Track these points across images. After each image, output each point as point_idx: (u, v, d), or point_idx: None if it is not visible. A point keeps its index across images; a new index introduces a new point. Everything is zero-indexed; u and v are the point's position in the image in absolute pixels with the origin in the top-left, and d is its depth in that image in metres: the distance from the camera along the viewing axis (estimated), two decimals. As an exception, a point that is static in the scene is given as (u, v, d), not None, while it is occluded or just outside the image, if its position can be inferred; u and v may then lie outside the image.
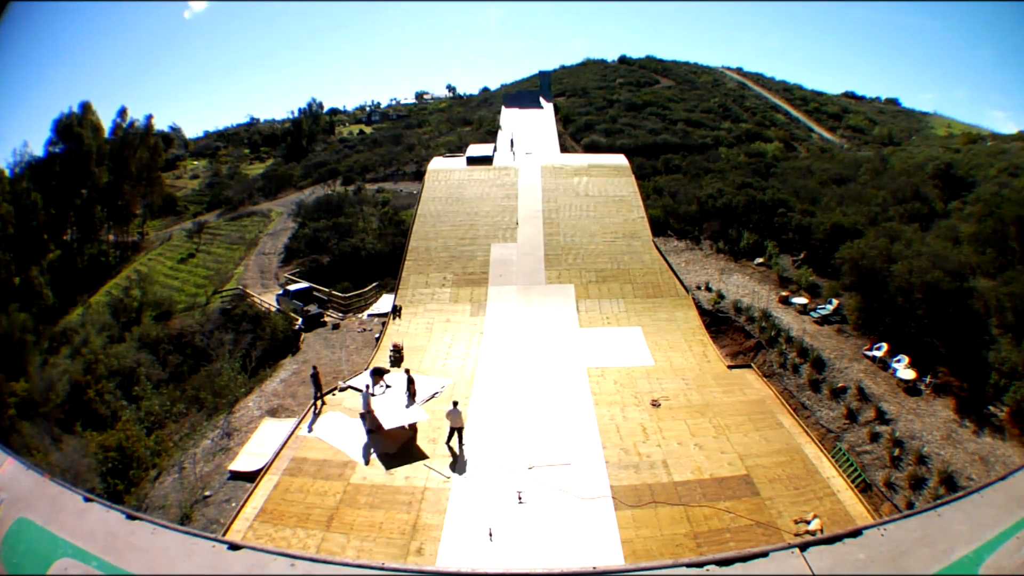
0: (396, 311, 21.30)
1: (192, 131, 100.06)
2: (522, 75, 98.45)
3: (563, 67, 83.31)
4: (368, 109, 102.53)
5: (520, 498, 11.58)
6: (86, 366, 22.00)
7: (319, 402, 15.40)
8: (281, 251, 35.67)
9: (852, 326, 18.43)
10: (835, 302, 19.65)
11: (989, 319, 16.51)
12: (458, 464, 12.81)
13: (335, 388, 16.71)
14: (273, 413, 16.66)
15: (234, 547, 6.63)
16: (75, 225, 50.50)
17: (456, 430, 13.32)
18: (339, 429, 14.34)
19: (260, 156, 76.00)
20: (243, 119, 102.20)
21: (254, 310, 25.70)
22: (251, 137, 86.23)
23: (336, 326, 23.07)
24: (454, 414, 13.25)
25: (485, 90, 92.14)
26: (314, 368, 16.02)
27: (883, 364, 16.27)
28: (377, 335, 20.66)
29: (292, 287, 26.46)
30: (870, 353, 16.81)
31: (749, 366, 17.54)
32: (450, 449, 13.31)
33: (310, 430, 14.31)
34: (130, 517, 7.00)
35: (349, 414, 15.04)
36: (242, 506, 11.74)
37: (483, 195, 27.61)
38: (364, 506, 11.57)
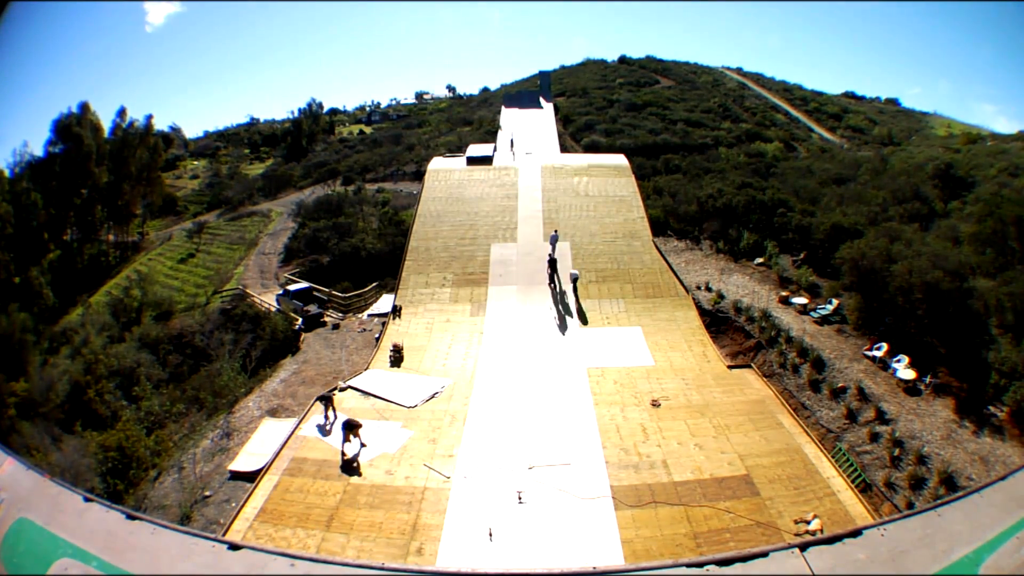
0: (396, 311, 21.30)
1: (192, 131, 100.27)
2: (522, 75, 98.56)
3: (563, 67, 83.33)
4: (368, 109, 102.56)
5: (520, 498, 11.57)
6: (86, 366, 21.98)
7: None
8: (281, 251, 35.69)
9: (852, 326, 18.43)
10: (835, 302, 19.65)
11: (989, 319, 16.51)
12: None
13: (335, 388, 16.71)
14: (273, 413, 16.66)
15: (234, 547, 6.63)
16: (75, 225, 50.55)
17: None
18: (339, 429, 14.32)
19: (260, 156, 76.04)
20: (243, 119, 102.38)
21: (254, 310, 25.71)
22: (251, 137, 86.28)
23: (336, 326, 23.08)
24: None
25: (485, 90, 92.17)
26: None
27: (883, 364, 16.27)
28: (377, 335, 20.67)
29: (292, 287, 26.47)
30: (870, 353, 16.81)
31: (749, 366, 17.54)
32: None
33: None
34: (130, 517, 7.00)
35: (349, 414, 15.02)
36: (242, 506, 11.73)
37: (483, 195, 27.61)
38: (364, 506, 11.56)
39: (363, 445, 13.39)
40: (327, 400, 14.85)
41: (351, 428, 13.26)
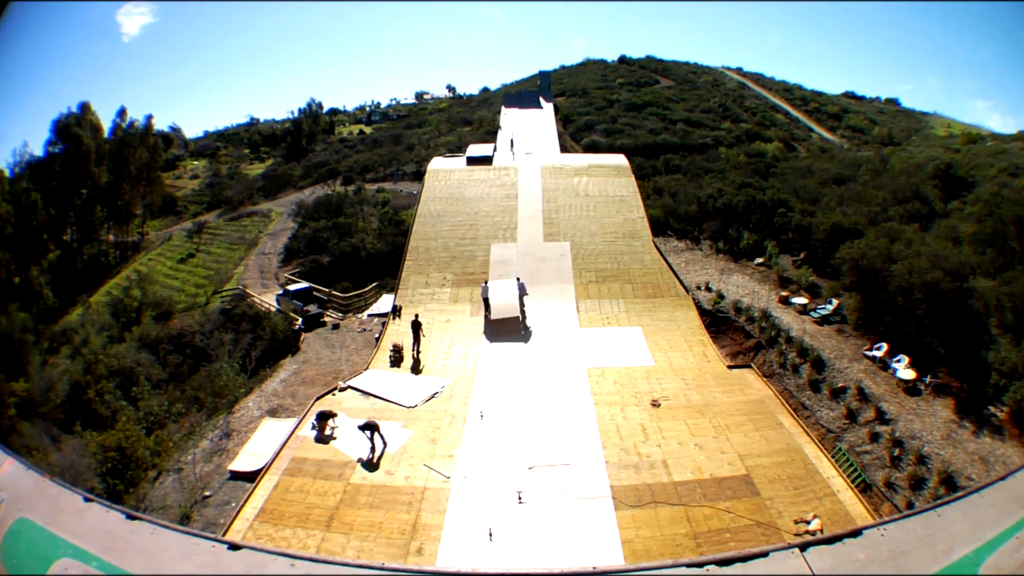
0: (396, 311, 21.31)
1: (192, 131, 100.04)
2: (522, 75, 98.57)
3: (563, 67, 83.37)
4: (368, 109, 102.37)
5: (520, 498, 11.57)
6: (86, 366, 21.99)
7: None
8: (281, 251, 35.66)
9: (852, 326, 18.43)
10: (835, 302, 19.65)
11: (989, 319, 16.51)
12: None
13: (335, 388, 16.72)
14: (273, 413, 16.67)
15: (234, 547, 6.62)
16: (75, 225, 50.47)
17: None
18: (339, 429, 14.32)
19: (260, 156, 75.93)
20: (243, 119, 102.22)
21: (254, 310, 25.70)
22: (251, 137, 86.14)
23: (336, 326, 23.07)
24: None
25: (485, 90, 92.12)
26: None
27: (883, 364, 16.28)
28: (377, 335, 20.67)
29: (292, 287, 26.46)
30: (870, 353, 16.81)
31: (749, 366, 17.54)
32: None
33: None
34: (130, 517, 6.99)
35: (349, 414, 15.04)
36: (242, 506, 11.74)
37: (483, 195, 27.61)
38: (364, 506, 11.57)
39: (384, 444, 13.34)
40: (326, 417, 14.26)
41: (372, 428, 13.23)
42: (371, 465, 12.85)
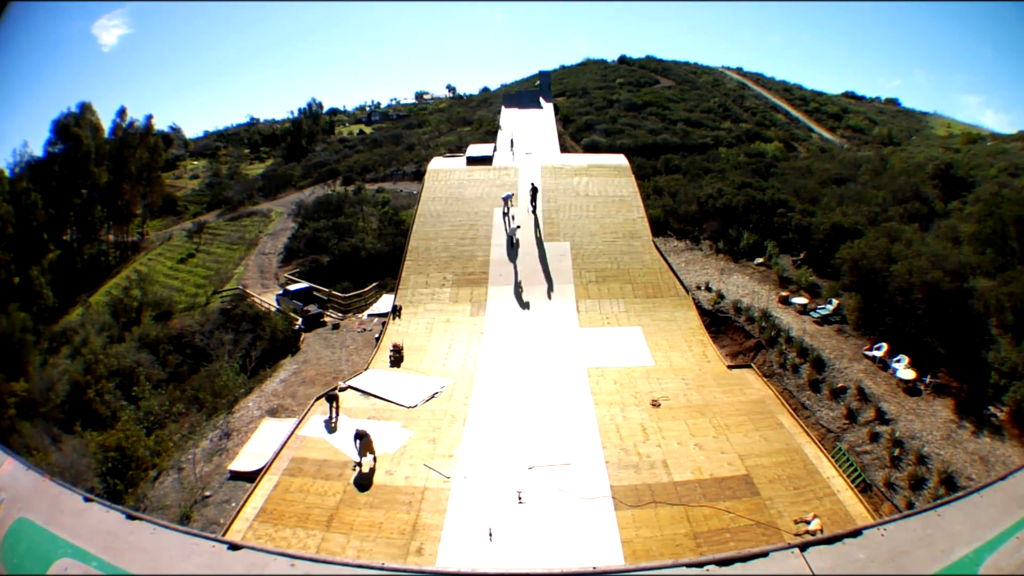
0: (396, 311, 21.31)
1: (192, 131, 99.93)
2: (522, 75, 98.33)
3: (563, 67, 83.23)
4: (368, 109, 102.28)
5: (520, 498, 11.57)
6: (86, 366, 22.02)
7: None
8: (281, 251, 35.67)
9: (852, 326, 18.43)
10: (835, 302, 19.65)
11: (989, 319, 16.52)
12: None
13: (335, 388, 16.71)
14: (273, 413, 16.67)
15: (234, 547, 6.64)
16: (75, 225, 50.51)
17: None
18: (339, 429, 14.33)
19: (260, 156, 75.90)
20: (243, 119, 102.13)
21: (254, 310, 25.72)
22: (251, 137, 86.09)
23: (336, 326, 23.08)
24: None
25: (485, 90, 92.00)
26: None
27: (883, 364, 16.28)
28: (377, 335, 20.67)
29: (292, 287, 26.47)
30: (870, 353, 16.82)
31: (749, 366, 17.53)
32: None
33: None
34: (130, 517, 7.01)
35: (349, 414, 15.04)
36: (242, 506, 11.74)
37: (483, 195, 27.58)
38: (364, 506, 11.57)
39: (374, 457, 12.96)
40: (332, 399, 15.16)
41: (363, 438, 12.76)
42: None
